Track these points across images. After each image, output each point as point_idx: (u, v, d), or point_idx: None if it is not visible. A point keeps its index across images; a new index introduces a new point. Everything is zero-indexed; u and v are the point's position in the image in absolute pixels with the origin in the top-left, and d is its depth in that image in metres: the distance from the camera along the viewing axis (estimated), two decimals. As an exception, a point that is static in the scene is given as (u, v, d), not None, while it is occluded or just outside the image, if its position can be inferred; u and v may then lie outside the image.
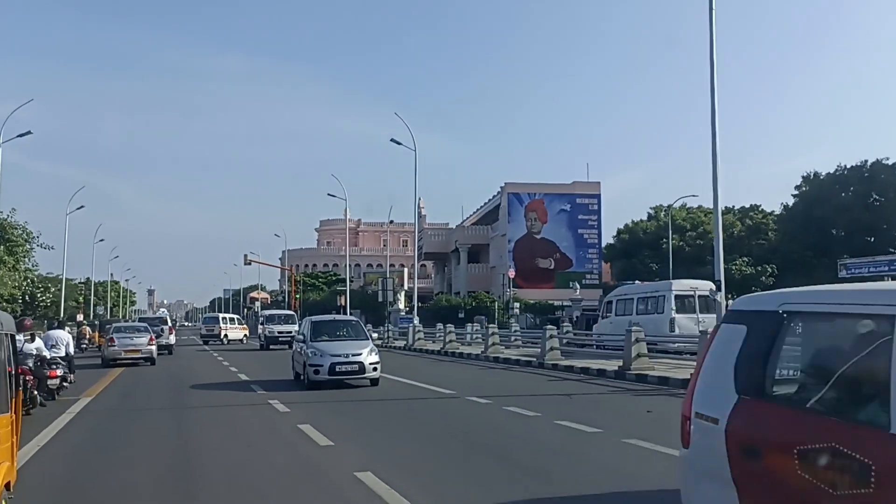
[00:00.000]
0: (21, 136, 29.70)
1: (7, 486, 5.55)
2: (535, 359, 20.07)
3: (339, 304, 50.75)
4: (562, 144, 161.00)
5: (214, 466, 7.40)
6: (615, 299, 23.52)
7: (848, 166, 34.30)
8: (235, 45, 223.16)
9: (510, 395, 12.96)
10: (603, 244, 54.90)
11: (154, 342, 23.44)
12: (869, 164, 33.49)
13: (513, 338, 26.94)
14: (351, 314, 35.27)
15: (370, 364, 14.18)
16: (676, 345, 18.96)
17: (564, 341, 20.86)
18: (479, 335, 30.08)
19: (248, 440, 8.86)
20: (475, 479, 6.60)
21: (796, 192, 36.91)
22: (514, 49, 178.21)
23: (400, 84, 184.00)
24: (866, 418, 2.69)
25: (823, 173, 35.13)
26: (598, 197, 55.10)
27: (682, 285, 21.36)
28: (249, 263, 66.37)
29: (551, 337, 19.63)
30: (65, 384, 13.48)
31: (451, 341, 27.44)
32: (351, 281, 54.62)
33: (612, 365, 16.95)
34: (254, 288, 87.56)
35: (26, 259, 36.58)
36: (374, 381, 14.37)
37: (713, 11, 14.01)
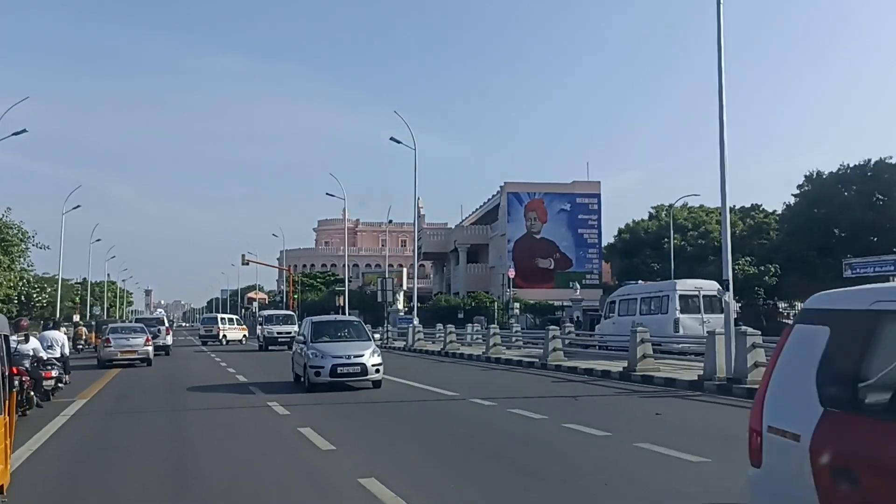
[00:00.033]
0: (16, 134, 29.46)
1: (0, 489, 5.33)
2: (537, 360, 19.82)
3: (337, 304, 50.50)
4: (561, 144, 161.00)
5: (212, 472, 7.17)
6: (618, 299, 23.27)
7: (851, 165, 34.19)
8: (234, 44, 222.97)
9: (514, 397, 12.70)
10: (603, 244, 54.70)
11: (150, 343, 23.21)
12: (872, 162, 33.41)
13: (514, 338, 26.69)
14: (350, 314, 34.94)
15: (372, 366, 13.83)
16: (681, 345, 18.73)
17: (567, 342, 20.62)
18: (480, 336, 29.82)
19: (247, 444, 8.59)
20: (484, 485, 6.35)
21: (798, 192, 36.77)
22: (513, 48, 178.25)
23: (399, 84, 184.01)
24: None
25: (826, 172, 34.98)
26: (598, 196, 54.91)
27: (686, 285, 21.11)
28: (247, 263, 66.13)
29: (554, 338, 19.38)
30: (60, 385, 13.30)
31: (451, 342, 27.17)
32: (349, 281, 54.32)
33: (617, 366, 16.72)
34: (251, 288, 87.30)
35: (22, 259, 36.28)
36: (377, 384, 14.04)
37: (721, 11, 13.72)
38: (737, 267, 32.70)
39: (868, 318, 2.73)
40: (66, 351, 14.53)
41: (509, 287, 42.93)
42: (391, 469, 6.91)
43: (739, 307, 20.26)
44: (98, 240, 61.21)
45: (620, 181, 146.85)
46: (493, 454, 7.77)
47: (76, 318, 48.74)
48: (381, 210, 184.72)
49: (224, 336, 42.35)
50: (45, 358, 12.47)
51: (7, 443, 5.64)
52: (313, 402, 12.39)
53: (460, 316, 44.75)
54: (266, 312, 38.34)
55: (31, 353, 11.80)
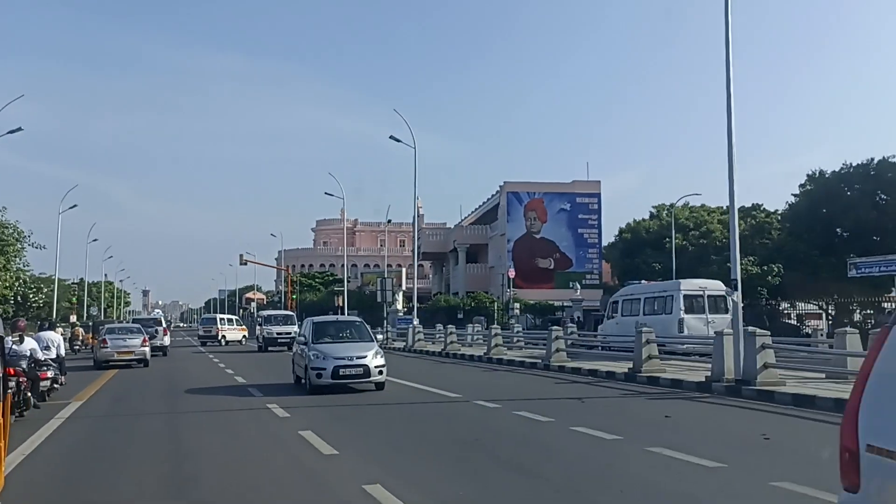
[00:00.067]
0: (12, 132, 29.19)
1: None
2: (540, 360, 19.59)
3: (336, 304, 50.25)
4: (561, 144, 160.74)
5: (210, 479, 6.91)
6: (621, 299, 23.03)
7: (853, 164, 34.00)
8: (233, 44, 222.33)
9: (519, 399, 12.48)
10: (603, 244, 54.49)
11: (147, 343, 22.98)
12: (875, 161, 33.23)
13: (515, 339, 26.46)
14: (348, 314, 34.64)
15: (376, 367, 13.50)
16: (685, 346, 18.52)
17: (569, 342, 20.39)
18: (481, 336, 29.60)
19: (247, 448, 8.33)
20: (493, 493, 6.12)
21: (799, 191, 36.58)
22: (512, 48, 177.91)
23: (398, 83, 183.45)
24: None
25: (829, 171, 34.81)
26: (598, 196, 54.68)
27: (691, 285, 20.87)
28: (245, 264, 65.80)
29: (557, 338, 19.15)
30: (56, 386, 13.16)
31: (452, 342, 26.93)
32: (348, 281, 54.04)
33: (622, 367, 16.49)
34: (249, 289, 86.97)
35: (18, 259, 35.99)
36: (380, 386, 13.73)
37: (729, 9, 13.49)
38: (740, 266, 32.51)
39: None
40: (62, 352, 14.33)
41: (509, 287, 42.68)
42: (397, 475, 6.67)
43: (742, 307, 19.97)
44: (95, 240, 60.90)
45: (620, 181, 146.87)
46: (500, 459, 7.53)
47: (73, 318, 48.39)
48: (379, 208, 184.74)
49: (223, 337, 42.02)
50: (42, 359, 12.31)
51: (1, 445, 5.51)
52: (314, 404, 12.13)
53: (460, 316, 44.53)
54: (265, 313, 37.77)
55: (29, 353, 11.64)
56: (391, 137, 32.94)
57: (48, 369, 12.49)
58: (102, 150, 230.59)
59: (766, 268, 34.72)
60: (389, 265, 59.99)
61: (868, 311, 29.59)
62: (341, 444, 8.13)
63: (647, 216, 49.41)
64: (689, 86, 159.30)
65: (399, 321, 40.87)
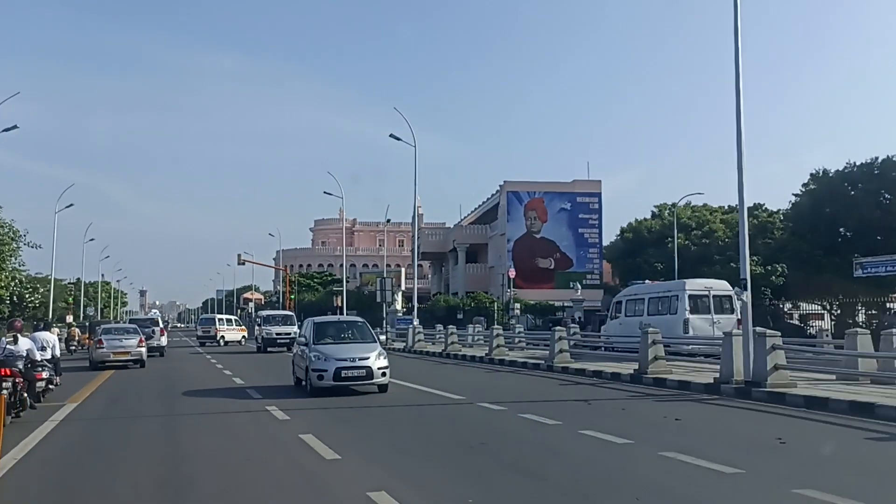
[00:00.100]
0: (7, 130, 28.90)
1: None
2: (543, 361, 19.33)
3: (335, 304, 49.98)
4: (561, 144, 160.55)
5: (207, 485, 6.65)
6: (625, 299, 22.77)
7: (857, 163, 33.78)
8: (232, 44, 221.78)
9: (524, 401, 12.22)
10: (604, 243, 54.23)
11: (144, 344, 22.76)
12: (879, 160, 32.99)
13: (516, 339, 26.21)
14: (347, 314, 34.30)
15: (379, 369, 13.14)
16: (690, 347, 18.28)
17: (572, 343, 20.13)
18: (481, 337, 29.35)
19: (245, 453, 8.05)
20: (504, 500, 5.87)
21: (800, 191, 36.39)
22: (511, 47, 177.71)
23: (397, 83, 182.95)
24: None
25: (832, 170, 34.58)
26: (598, 195, 54.40)
27: (696, 285, 20.61)
28: (243, 263, 65.56)
29: (560, 339, 18.89)
30: (50, 387, 12.92)
31: (452, 343, 26.67)
32: (347, 281, 53.74)
33: (627, 368, 16.25)
34: (247, 289, 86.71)
35: (13, 258, 35.66)
36: (383, 388, 13.38)
37: (738, 7, 13.25)
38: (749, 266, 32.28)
39: None
40: (57, 352, 14.07)
41: (509, 287, 42.42)
42: (402, 481, 6.43)
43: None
44: (91, 239, 60.61)
45: (621, 180, 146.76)
46: (508, 464, 7.26)
47: (69, 318, 48.00)
48: (377, 203, 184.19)
49: (222, 337, 41.68)
50: (38, 359, 12.10)
51: None
52: (314, 406, 11.86)
53: (460, 316, 44.27)
54: (264, 313, 37.07)
55: (25, 354, 11.44)
56: (391, 135, 32.74)
57: (43, 370, 12.29)
58: (101, 149, 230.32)
59: (769, 267, 34.50)
60: (388, 265, 59.69)
61: (872, 312, 29.37)
62: (343, 448, 7.88)
63: (648, 216, 49.19)
64: (689, 86, 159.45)
65: (398, 321, 40.57)
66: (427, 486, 6.37)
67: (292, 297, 62.15)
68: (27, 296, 42.03)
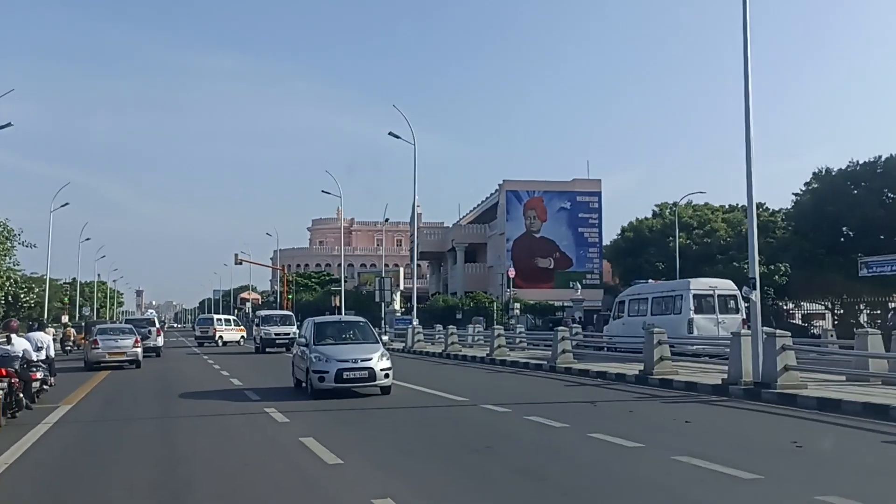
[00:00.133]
0: (1, 128, 28.51)
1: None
2: (545, 362, 19.07)
3: (333, 304, 49.68)
4: (561, 143, 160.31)
5: (205, 490, 6.41)
6: (628, 299, 22.50)
7: (860, 162, 33.60)
8: (231, 43, 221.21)
9: (528, 403, 11.97)
10: (604, 243, 53.97)
11: (139, 344, 22.49)
12: (882, 159, 32.81)
13: (517, 340, 25.95)
14: (346, 314, 33.96)
15: (381, 370, 12.79)
16: (695, 347, 18.04)
17: (574, 343, 19.86)
18: (482, 337, 29.07)
19: (244, 457, 7.77)
20: (519, 510, 5.60)
21: (801, 190, 36.26)
22: (511, 46, 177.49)
23: (396, 82, 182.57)
24: None
25: (835, 169, 34.40)
26: (598, 195, 54.04)
27: (700, 284, 20.35)
28: (240, 263, 65.15)
29: (563, 339, 18.63)
30: (45, 387, 12.77)
31: (453, 343, 26.40)
32: (345, 281, 53.43)
33: (631, 369, 16.01)
34: (244, 289, 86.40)
35: (7, 258, 35.31)
36: (386, 390, 13.02)
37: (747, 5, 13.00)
38: (745, 266, 32.07)
39: None
40: (52, 353, 13.95)
41: (509, 287, 42.14)
42: (407, 487, 6.18)
43: (746, 307, 19.57)
44: (87, 239, 60.26)
45: (620, 180, 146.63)
46: (517, 469, 6.99)
47: (65, 318, 47.69)
48: (374, 196, 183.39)
49: (220, 337, 41.32)
50: (34, 359, 12.02)
51: None
52: (314, 408, 11.58)
53: (459, 316, 43.97)
54: (263, 312, 36.43)
55: (21, 354, 11.33)
56: (390, 133, 32.49)
57: (37, 370, 12.17)
58: (100, 149, 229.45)
59: (772, 267, 34.30)
60: (386, 265, 59.36)
61: (876, 311, 29.19)
62: (345, 452, 7.62)
63: (649, 215, 48.97)
64: (689, 86, 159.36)
65: (396, 321, 40.29)
66: (434, 493, 6.12)
67: (290, 297, 61.78)
68: (22, 296, 41.62)
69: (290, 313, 35.41)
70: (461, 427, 9.81)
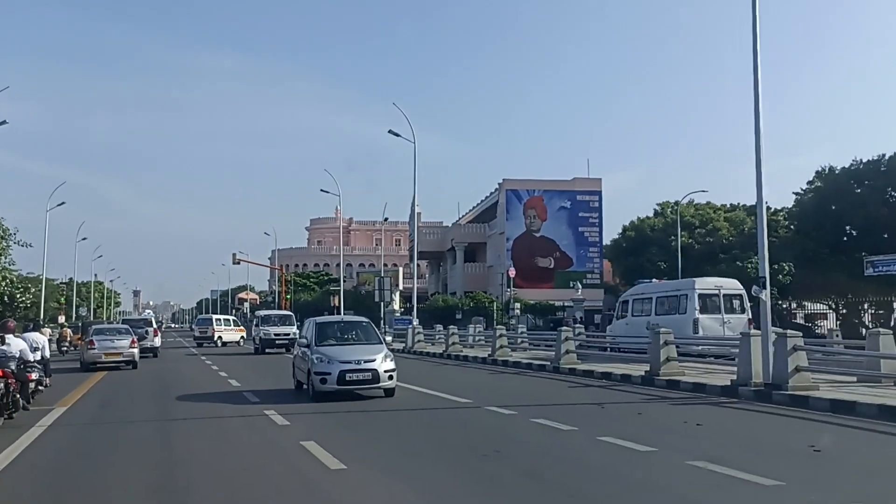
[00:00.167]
0: (-3, 125, 28.27)
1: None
2: (548, 363, 18.81)
3: (332, 304, 49.42)
4: (561, 143, 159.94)
5: (202, 495, 6.20)
6: (631, 299, 22.24)
7: (864, 160, 33.38)
8: (230, 43, 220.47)
9: (534, 405, 11.72)
10: (604, 242, 53.71)
11: (136, 345, 22.30)
12: (886, 157, 32.60)
13: (519, 340, 25.69)
14: (345, 314, 33.67)
15: (385, 372, 12.46)
16: (700, 347, 17.78)
17: (577, 344, 19.62)
18: (482, 337, 28.81)
19: (243, 461, 7.51)
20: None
21: (807, 188, 36.01)
22: (511, 46, 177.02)
23: (396, 82, 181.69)
24: None
25: (839, 168, 34.20)
26: (599, 194, 53.74)
27: (706, 283, 20.09)
28: (238, 263, 64.88)
29: (567, 339, 18.38)
30: (40, 388, 12.60)
31: (454, 344, 26.13)
32: (344, 281, 53.14)
33: (636, 369, 15.77)
34: (242, 289, 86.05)
35: (2, 257, 34.99)
36: (390, 392, 12.69)
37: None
38: (749, 265, 31.92)
39: None
40: (47, 353, 13.74)
41: (509, 287, 41.87)
42: (415, 495, 5.95)
43: (751, 307, 19.35)
44: (84, 238, 59.80)
45: (621, 179, 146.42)
46: (527, 474, 6.74)
47: (61, 319, 47.34)
48: (375, 207, 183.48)
49: (220, 338, 40.99)
50: (31, 360, 11.89)
51: None
52: (315, 411, 11.31)
53: (458, 317, 43.72)
54: (262, 312, 35.97)
55: (18, 355, 11.24)
56: (390, 131, 32.26)
57: (32, 371, 11.97)
58: (100, 149, 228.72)
59: (776, 266, 34.06)
60: (385, 264, 59.06)
61: (880, 311, 28.99)
62: (349, 457, 7.36)
63: (650, 214, 48.72)
64: (689, 86, 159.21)
65: (396, 321, 40.00)
66: (442, 499, 5.89)
67: (288, 296, 61.53)
68: (18, 296, 41.24)
69: (289, 313, 34.96)
70: (467, 430, 9.55)
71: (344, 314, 35.45)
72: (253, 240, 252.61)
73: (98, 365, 21.02)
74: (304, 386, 13.26)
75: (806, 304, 35.23)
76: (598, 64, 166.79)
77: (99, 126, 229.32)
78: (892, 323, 21.05)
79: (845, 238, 33.19)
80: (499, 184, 55.84)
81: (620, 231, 49.83)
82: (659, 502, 5.80)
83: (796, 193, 38.52)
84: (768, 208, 42.88)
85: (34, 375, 11.96)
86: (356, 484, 6.43)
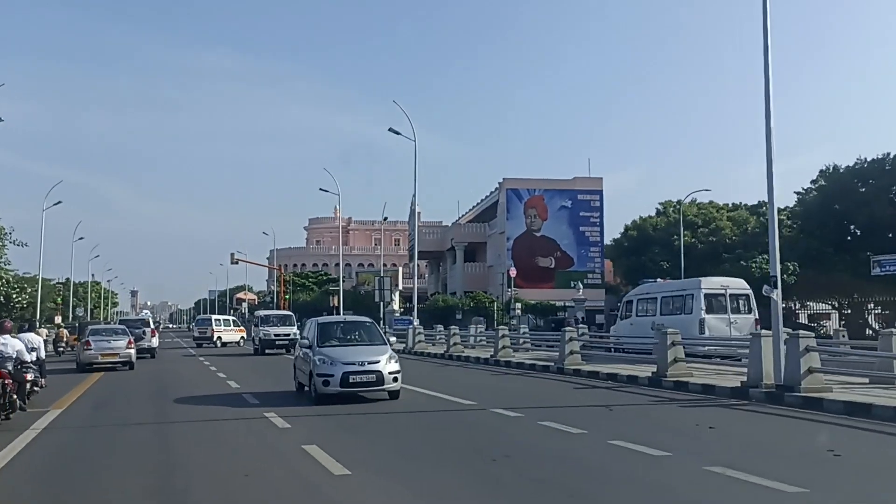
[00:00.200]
0: (-7, 124, 27.98)
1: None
2: (552, 363, 18.55)
3: (331, 304, 49.13)
4: (562, 142, 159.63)
5: (201, 500, 6.03)
6: (636, 298, 21.96)
7: (868, 159, 33.17)
8: (230, 43, 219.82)
9: (540, 407, 11.45)
10: (605, 242, 53.47)
11: (133, 345, 22.07)
12: (891, 156, 32.38)
13: (521, 340, 25.42)
14: (345, 314, 33.35)
15: (389, 373, 12.14)
16: (706, 348, 17.52)
17: (581, 344, 19.36)
18: (483, 338, 28.54)
19: (243, 466, 7.23)
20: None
21: (810, 187, 35.80)
22: (511, 45, 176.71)
23: (395, 82, 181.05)
24: None
25: (843, 167, 33.95)
26: (599, 193, 53.49)
27: (712, 283, 19.81)
28: (236, 263, 64.59)
29: (571, 340, 18.11)
30: (35, 389, 12.39)
31: (455, 344, 25.86)
32: (343, 280, 52.85)
33: (643, 370, 15.50)
34: (241, 289, 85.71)
35: (-3, 256, 34.69)
36: (394, 394, 12.36)
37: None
38: (753, 265, 31.74)
39: None
40: (42, 354, 13.49)
41: (510, 287, 41.61)
42: (421, 501, 5.73)
43: (757, 307, 19.11)
44: (81, 238, 59.42)
45: (621, 179, 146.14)
46: (539, 480, 6.49)
47: (58, 319, 46.97)
48: (374, 207, 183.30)
49: (219, 338, 40.66)
50: (27, 360, 11.76)
51: None
52: (316, 413, 11.05)
53: (459, 317, 43.49)
54: (262, 313, 35.51)
55: (15, 355, 11.10)
56: (390, 129, 32.03)
57: (28, 371, 11.84)
58: (99, 148, 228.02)
59: (781, 265, 33.89)
60: (385, 264, 58.79)
61: (885, 311, 28.74)
62: (352, 462, 7.11)
63: (652, 213, 48.44)
64: (690, 85, 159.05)
65: (396, 321, 39.70)
66: (451, 507, 5.62)
67: (287, 296, 61.26)
68: (14, 296, 40.92)
69: (289, 313, 34.48)
70: (473, 433, 9.28)
71: (344, 314, 35.09)
72: (252, 240, 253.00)
73: (94, 366, 20.79)
74: (306, 388, 12.95)
75: (809, 304, 34.99)
76: (598, 64, 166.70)
77: (98, 126, 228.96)
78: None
79: (849, 237, 32.97)
80: (499, 183, 55.58)
81: (622, 230, 49.62)
82: (679, 510, 5.54)
83: (798, 193, 38.38)
84: (770, 208, 42.85)
85: (30, 376, 11.85)
86: (359, 489, 6.20)
